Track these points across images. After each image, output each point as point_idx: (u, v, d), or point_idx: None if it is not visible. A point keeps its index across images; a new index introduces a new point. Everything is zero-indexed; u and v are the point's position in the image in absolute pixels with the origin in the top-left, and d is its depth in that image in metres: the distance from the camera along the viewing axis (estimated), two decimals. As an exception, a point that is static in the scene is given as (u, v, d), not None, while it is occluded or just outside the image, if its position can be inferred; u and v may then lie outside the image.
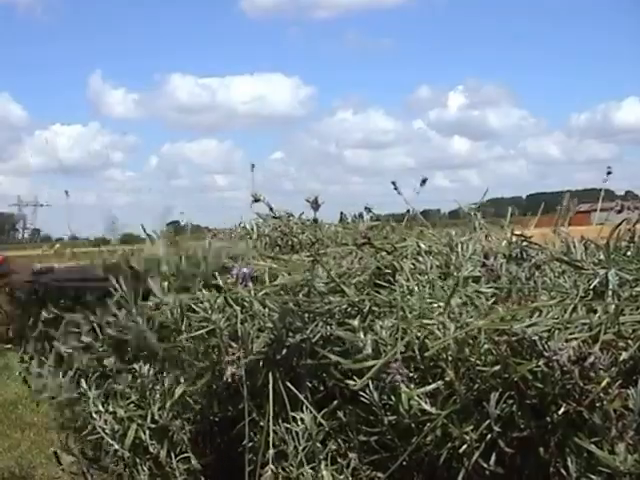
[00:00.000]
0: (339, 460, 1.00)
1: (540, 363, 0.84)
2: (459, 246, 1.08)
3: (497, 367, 0.88)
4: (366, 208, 1.25)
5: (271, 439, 1.03)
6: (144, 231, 1.33)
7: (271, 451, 1.02)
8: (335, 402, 1.00)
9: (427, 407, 0.88)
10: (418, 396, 0.89)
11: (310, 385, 1.02)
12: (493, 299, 0.99)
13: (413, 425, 0.92)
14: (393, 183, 1.15)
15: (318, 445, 0.99)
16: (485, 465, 0.92)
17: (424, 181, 1.17)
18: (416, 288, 1.04)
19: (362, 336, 0.91)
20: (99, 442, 1.26)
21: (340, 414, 1.00)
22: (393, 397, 0.91)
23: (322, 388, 1.01)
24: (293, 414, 1.01)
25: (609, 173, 1.14)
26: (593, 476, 0.85)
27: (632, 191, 1.46)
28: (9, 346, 1.44)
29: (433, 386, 0.90)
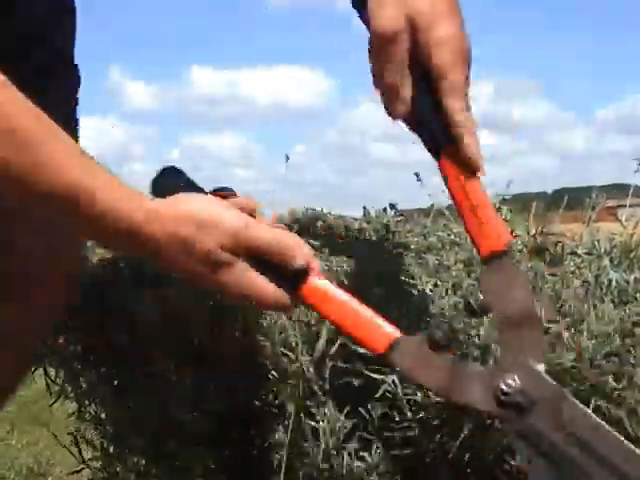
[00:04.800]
0: (362, 456, 1.00)
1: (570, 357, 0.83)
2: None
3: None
4: (390, 204, 1.24)
5: (291, 435, 1.02)
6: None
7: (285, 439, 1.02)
8: (359, 399, 0.99)
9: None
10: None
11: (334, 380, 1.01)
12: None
13: (438, 420, 0.91)
14: (416, 174, 1.14)
15: (340, 440, 0.98)
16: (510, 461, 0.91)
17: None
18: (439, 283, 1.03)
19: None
20: (119, 436, 1.25)
21: (363, 410, 0.99)
22: (417, 391, 0.90)
23: (347, 385, 1.00)
24: (315, 410, 1.01)
25: (640, 164, 1.12)
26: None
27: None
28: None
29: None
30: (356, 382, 0.99)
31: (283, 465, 1.04)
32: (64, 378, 1.28)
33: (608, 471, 0.65)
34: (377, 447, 0.98)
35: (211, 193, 0.73)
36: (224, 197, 0.72)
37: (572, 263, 1.07)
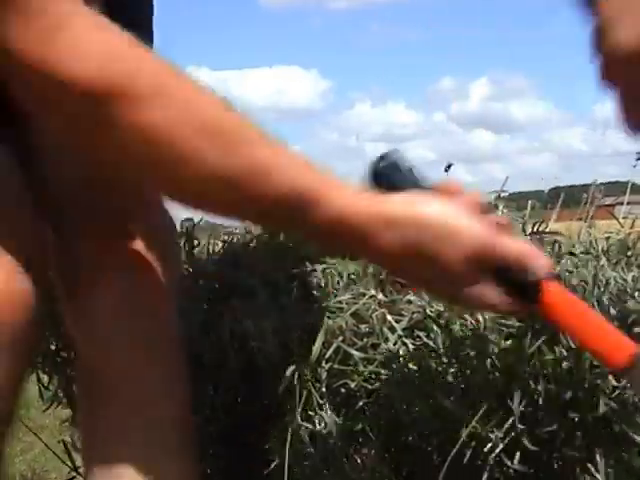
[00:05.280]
0: (358, 460, 0.99)
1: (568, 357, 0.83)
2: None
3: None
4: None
5: (289, 439, 1.01)
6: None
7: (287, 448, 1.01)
8: (357, 402, 0.99)
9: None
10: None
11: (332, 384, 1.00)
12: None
13: (435, 424, 0.91)
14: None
15: (338, 444, 0.98)
16: (509, 463, 0.90)
17: (449, 167, 1.15)
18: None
19: (385, 329, 0.90)
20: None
21: (361, 414, 0.98)
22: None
23: (344, 388, 1.00)
24: (312, 413, 1.00)
25: (639, 159, 1.12)
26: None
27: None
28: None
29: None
30: (353, 385, 0.98)
31: (281, 468, 1.03)
32: (57, 384, 1.26)
33: None
34: (374, 450, 0.97)
35: (436, 188, 0.67)
36: (451, 193, 0.65)
37: (569, 262, 1.06)
